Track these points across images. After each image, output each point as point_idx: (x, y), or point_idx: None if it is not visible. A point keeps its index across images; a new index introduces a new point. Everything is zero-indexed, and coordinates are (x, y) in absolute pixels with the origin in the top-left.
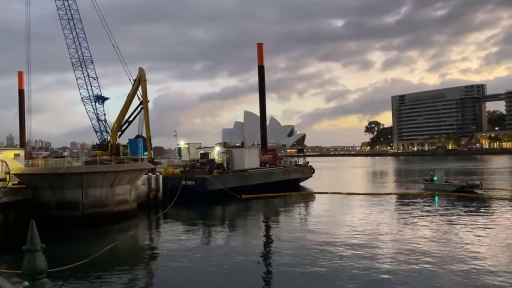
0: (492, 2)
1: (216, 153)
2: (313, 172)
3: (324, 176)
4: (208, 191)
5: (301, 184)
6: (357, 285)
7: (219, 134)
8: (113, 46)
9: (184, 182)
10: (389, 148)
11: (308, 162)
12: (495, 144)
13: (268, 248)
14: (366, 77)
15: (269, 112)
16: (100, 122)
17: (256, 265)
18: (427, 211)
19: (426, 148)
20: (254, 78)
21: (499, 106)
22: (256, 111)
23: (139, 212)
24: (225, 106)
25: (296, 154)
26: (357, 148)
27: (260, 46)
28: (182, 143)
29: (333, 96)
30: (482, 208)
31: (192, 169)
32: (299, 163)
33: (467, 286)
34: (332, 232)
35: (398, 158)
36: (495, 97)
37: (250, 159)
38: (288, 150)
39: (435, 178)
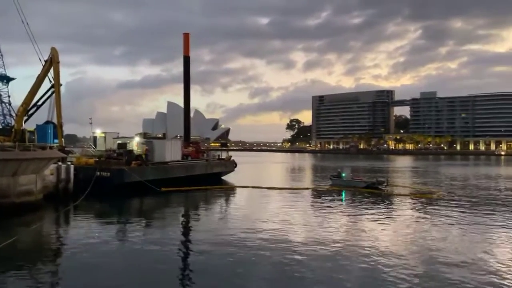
0: (401, 15)
1: (135, 144)
2: (235, 166)
3: (246, 170)
4: (125, 183)
5: (223, 178)
6: (273, 274)
7: (139, 124)
8: (22, 22)
9: (98, 173)
10: (307, 145)
11: (230, 157)
12: (400, 146)
13: (187, 241)
14: (288, 76)
15: (192, 104)
16: (3, 104)
17: (174, 259)
18: (336, 205)
19: (341, 146)
20: (178, 69)
21: (405, 111)
22: (180, 102)
23: (46, 205)
24: (146, 96)
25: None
26: (279, 144)
27: (186, 36)
28: (98, 132)
29: (257, 93)
30: (386, 203)
31: (108, 160)
32: (222, 157)
33: (369, 271)
34: (249, 224)
35: (316, 155)
36: (401, 103)
37: (172, 151)
38: (212, 144)
39: (343, 174)
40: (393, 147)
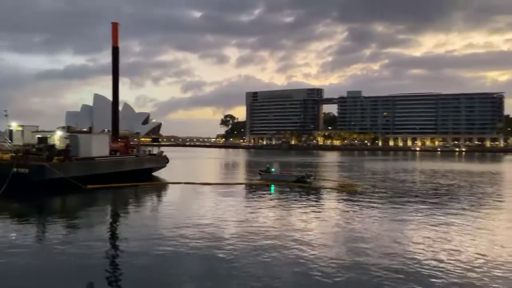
0: (330, 17)
1: (57, 138)
2: (167, 162)
3: (178, 166)
4: (45, 180)
5: (155, 174)
6: (205, 270)
7: (61, 117)
8: None
9: (15, 170)
10: (241, 141)
11: (162, 152)
12: (328, 142)
13: (115, 240)
14: (221, 71)
15: (121, 97)
16: None
17: (100, 259)
18: (266, 199)
19: (274, 142)
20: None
21: (333, 109)
22: (108, 95)
23: None
24: (70, 87)
25: (151, 143)
26: (212, 140)
27: (115, 26)
28: (14, 125)
29: (190, 87)
30: (314, 196)
31: (26, 155)
32: (153, 153)
33: (298, 262)
34: (181, 220)
35: (249, 150)
36: (329, 101)
37: (99, 146)
38: (142, 139)
39: (272, 169)
40: (322, 143)
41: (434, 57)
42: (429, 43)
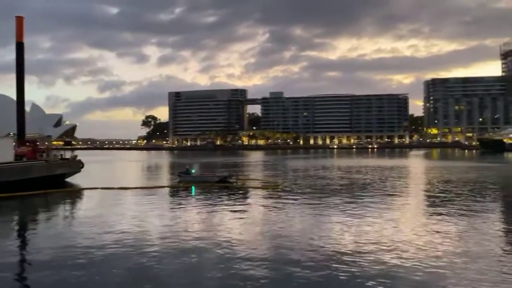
0: (252, 18)
1: None
2: (82, 167)
3: (95, 170)
4: None
5: (68, 180)
6: (128, 278)
7: None
8: None
9: None
10: (164, 142)
11: (76, 156)
12: (252, 141)
13: (24, 252)
14: (142, 70)
15: (28, 97)
16: None
17: (6, 274)
18: (187, 201)
19: (198, 143)
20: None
21: (257, 109)
22: (11, 94)
23: None
24: None
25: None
26: (133, 142)
27: (19, 20)
28: None
29: (108, 86)
30: (237, 195)
31: None
32: (66, 157)
33: (224, 261)
34: (98, 228)
35: (173, 152)
36: (253, 102)
37: (1, 151)
38: (55, 142)
39: (192, 171)
40: (247, 143)
41: (348, 61)
42: (343, 47)
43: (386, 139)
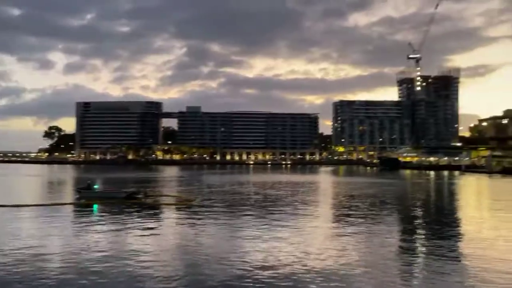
0: (168, 32)
1: None
2: None
3: None
4: None
5: None
6: None
7: None
8: None
9: None
10: (70, 156)
11: None
12: (168, 156)
13: None
14: (45, 77)
15: None
16: None
17: None
18: (91, 221)
19: (108, 157)
20: None
21: (173, 123)
22: None
23: None
24: None
25: None
26: (33, 154)
27: None
28: None
29: (5, 93)
30: (146, 213)
31: None
32: None
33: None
34: None
35: (79, 166)
36: (169, 115)
37: None
38: None
39: (95, 186)
40: (162, 158)
41: (264, 80)
42: (260, 66)
43: (299, 156)
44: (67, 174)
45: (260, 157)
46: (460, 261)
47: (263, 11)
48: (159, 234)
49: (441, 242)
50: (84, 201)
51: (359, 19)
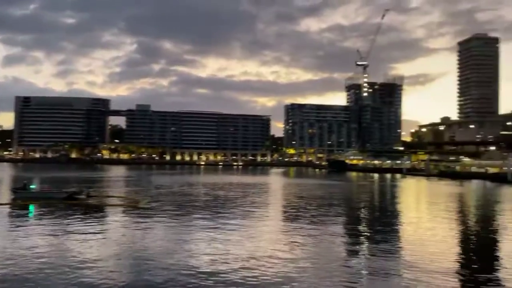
0: (117, 27)
1: None
2: None
3: None
4: None
5: None
6: None
7: None
8: None
9: None
10: (6, 153)
11: None
12: (114, 155)
13: None
14: None
15: None
16: None
17: None
18: (27, 224)
19: (49, 155)
20: None
21: (120, 121)
22: None
23: None
24: None
25: None
26: None
27: None
28: None
29: None
30: (90, 214)
31: None
32: None
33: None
34: None
35: (17, 165)
36: (117, 113)
37: None
38: None
39: (32, 186)
40: (108, 157)
41: (217, 80)
42: (212, 66)
43: (250, 157)
44: (4, 172)
45: (211, 157)
46: (399, 258)
47: (218, 11)
48: (103, 238)
49: (383, 241)
50: (20, 202)
51: (310, 25)
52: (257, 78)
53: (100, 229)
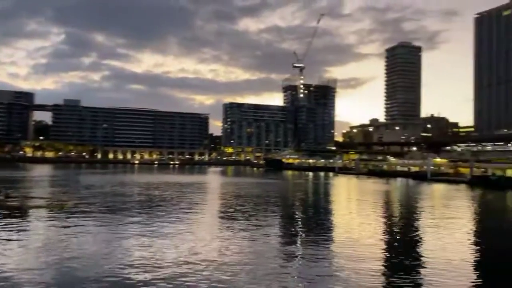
0: (44, 15)
1: None
2: None
3: None
4: None
5: None
6: None
7: None
8: None
9: None
10: None
11: None
12: (39, 153)
13: None
14: None
15: None
16: None
17: None
18: None
19: None
20: None
21: (46, 117)
22: None
23: None
24: None
25: None
26: None
27: None
28: None
29: None
30: (8, 217)
31: None
32: None
33: None
34: None
35: None
36: (42, 108)
37: None
38: None
39: None
40: (32, 155)
41: (152, 76)
42: (148, 62)
43: (188, 156)
44: None
45: (146, 156)
46: (330, 250)
47: (154, 4)
48: (22, 246)
49: (316, 237)
50: None
51: (249, 25)
52: (195, 76)
53: (19, 234)
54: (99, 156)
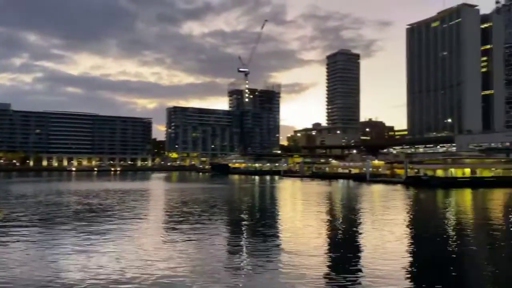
0: None
1: None
2: None
3: None
4: None
5: None
6: None
7: None
8: None
9: None
10: None
11: None
12: None
13: None
14: None
15: None
16: None
17: None
18: None
19: None
20: None
21: None
22: None
23: None
24: None
25: None
26: None
27: None
28: None
29: None
30: None
31: None
32: None
33: None
34: None
35: None
36: None
37: None
38: None
39: None
40: None
41: (90, 78)
42: (85, 64)
43: (130, 162)
44: None
45: (84, 163)
46: (278, 248)
47: (92, 4)
48: None
49: (263, 240)
50: None
51: (193, 28)
52: (136, 79)
53: None
54: (31, 163)
